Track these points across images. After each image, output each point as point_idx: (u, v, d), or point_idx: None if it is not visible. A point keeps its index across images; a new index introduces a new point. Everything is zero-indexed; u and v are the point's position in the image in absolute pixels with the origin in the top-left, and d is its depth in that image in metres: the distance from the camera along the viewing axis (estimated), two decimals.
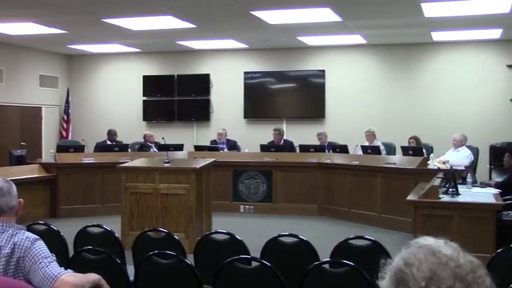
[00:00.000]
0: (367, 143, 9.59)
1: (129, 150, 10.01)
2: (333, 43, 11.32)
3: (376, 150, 9.07)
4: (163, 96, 12.63)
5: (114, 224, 5.46)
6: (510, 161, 7.08)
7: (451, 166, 7.26)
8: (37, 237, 2.42)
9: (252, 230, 7.57)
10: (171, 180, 6.55)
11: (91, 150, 10.04)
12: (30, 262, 2.32)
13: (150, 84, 12.68)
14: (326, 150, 9.65)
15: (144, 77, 12.67)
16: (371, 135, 9.78)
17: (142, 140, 10.77)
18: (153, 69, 12.82)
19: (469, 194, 6.15)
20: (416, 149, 8.80)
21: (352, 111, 11.57)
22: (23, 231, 2.45)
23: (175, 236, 4.11)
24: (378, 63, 11.63)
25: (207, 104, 12.44)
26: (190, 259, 3.57)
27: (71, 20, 8.93)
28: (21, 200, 2.56)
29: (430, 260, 1.08)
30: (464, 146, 9.07)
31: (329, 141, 10.05)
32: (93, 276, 2.36)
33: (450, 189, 5.94)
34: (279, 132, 10.25)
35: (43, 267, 2.29)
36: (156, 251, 3.42)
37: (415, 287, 1.05)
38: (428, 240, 1.14)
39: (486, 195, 6.10)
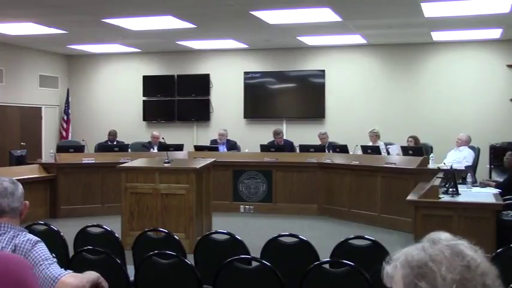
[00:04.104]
0: (370, 143, 9.59)
1: (129, 150, 9.99)
2: (333, 43, 11.32)
3: (376, 150, 9.07)
4: (163, 96, 12.63)
5: (114, 224, 5.47)
6: (511, 160, 7.09)
7: (451, 166, 7.25)
8: (38, 239, 2.42)
9: (252, 230, 7.57)
10: (171, 180, 6.54)
11: (91, 150, 10.03)
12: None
13: (150, 84, 12.68)
14: (326, 150, 9.65)
15: (144, 77, 12.67)
16: (374, 135, 9.78)
17: (147, 141, 10.74)
18: (153, 69, 12.82)
19: (469, 194, 6.14)
20: (416, 148, 8.79)
21: (352, 111, 11.57)
22: (24, 232, 2.44)
23: (175, 236, 4.11)
24: (378, 63, 11.63)
25: (207, 104, 12.44)
26: (190, 259, 3.57)
27: (71, 20, 8.93)
28: (27, 202, 2.54)
29: (459, 263, 1.08)
30: (466, 146, 9.07)
31: (329, 141, 10.06)
32: (92, 275, 2.36)
33: (450, 189, 5.94)
34: (281, 135, 10.28)
35: (44, 269, 2.29)
36: (156, 251, 3.42)
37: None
38: (454, 240, 1.14)
39: (486, 195, 6.10)
